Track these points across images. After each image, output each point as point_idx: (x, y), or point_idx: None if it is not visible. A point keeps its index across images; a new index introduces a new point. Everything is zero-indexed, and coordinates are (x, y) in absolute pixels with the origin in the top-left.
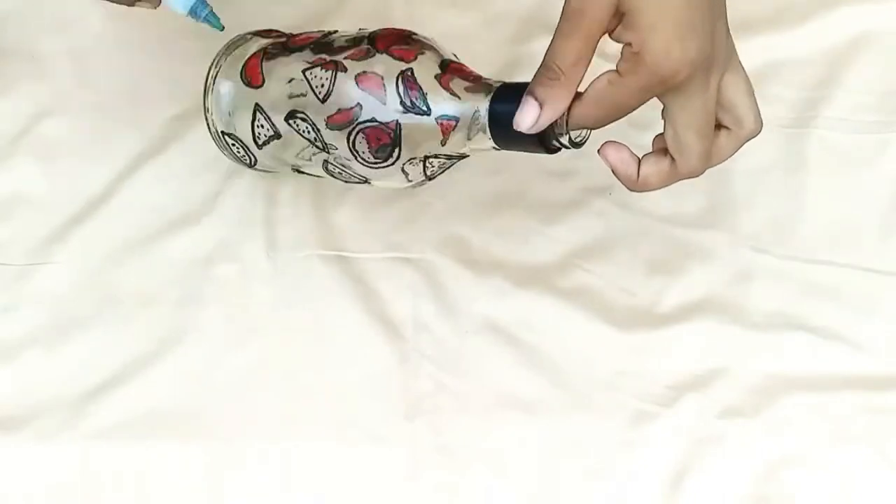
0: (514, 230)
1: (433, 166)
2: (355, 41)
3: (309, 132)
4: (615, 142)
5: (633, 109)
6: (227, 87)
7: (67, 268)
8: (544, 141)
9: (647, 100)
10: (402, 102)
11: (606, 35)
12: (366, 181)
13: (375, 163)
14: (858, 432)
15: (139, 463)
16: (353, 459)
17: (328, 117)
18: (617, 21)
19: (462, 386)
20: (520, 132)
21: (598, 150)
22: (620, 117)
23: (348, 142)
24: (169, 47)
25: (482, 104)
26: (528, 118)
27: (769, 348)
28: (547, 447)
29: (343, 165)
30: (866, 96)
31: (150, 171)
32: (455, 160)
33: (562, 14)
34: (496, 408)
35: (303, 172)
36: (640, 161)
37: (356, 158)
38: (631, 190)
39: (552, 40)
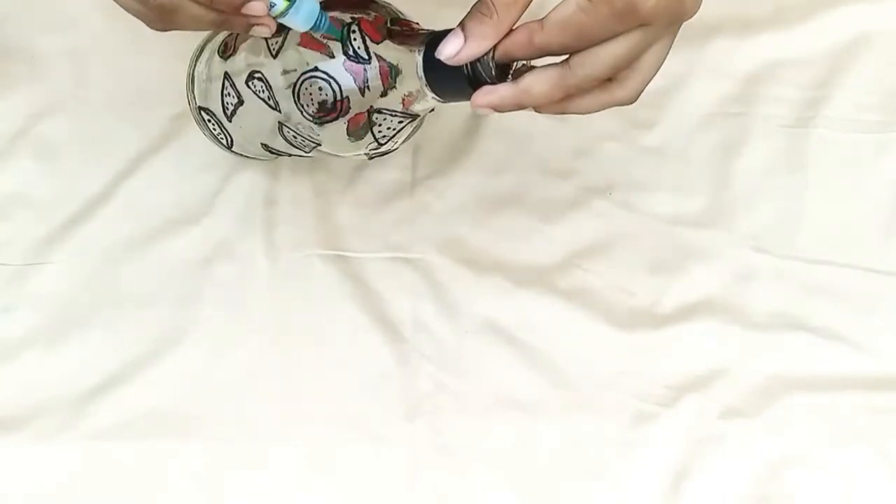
0: (514, 230)
1: (380, 126)
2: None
3: (263, 91)
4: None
5: (597, 42)
6: (206, 60)
7: (66, 268)
8: (474, 82)
9: (615, 32)
10: (343, 51)
11: None
12: (317, 145)
13: (320, 116)
14: (859, 432)
15: (138, 463)
16: (353, 460)
17: (280, 72)
18: None
19: (462, 386)
20: (451, 75)
21: (472, 106)
22: (582, 48)
23: (294, 95)
24: (168, 47)
25: (418, 56)
26: (450, 48)
27: (770, 348)
28: (547, 447)
29: (296, 129)
30: (867, 96)
31: (149, 171)
32: (405, 120)
33: None
34: (496, 408)
35: (271, 150)
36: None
37: (302, 113)
38: (515, 108)
39: None
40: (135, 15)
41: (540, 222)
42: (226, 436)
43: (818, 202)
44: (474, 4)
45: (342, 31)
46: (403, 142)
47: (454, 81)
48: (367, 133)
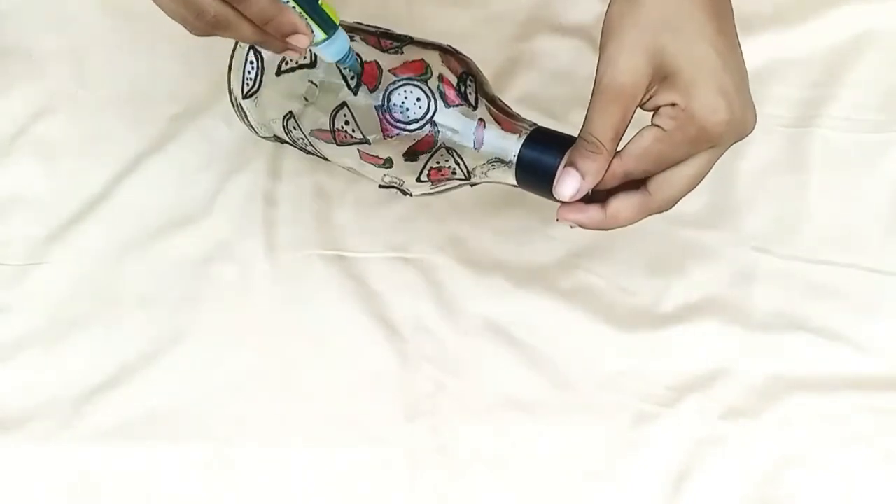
0: (514, 230)
1: (439, 164)
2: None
3: (354, 79)
4: (567, 204)
5: (675, 164)
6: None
7: (65, 268)
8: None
9: (691, 155)
10: (430, 94)
11: None
12: (365, 142)
13: (399, 122)
14: (860, 433)
15: (137, 464)
16: (353, 460)
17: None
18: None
19: (462, 386)
20: (542, 178)
21: (557, 219)
22: (661, 170)
23: (384, 98)
24: (168, 47)
25: (513, 146)
26: (569, 189)
27: (771, 348)
28: (547, 448)
29: (355, 119)
30: (868, 95)
31: (148, 171)
32: (455, 185)
33: (596, 86)
34: (496, 408)
35: (291, 128)
36: (599, 205)
37: (383, 107)
38: (603, 230)
39: (589, 111)
40: (177, 19)
41: (540, 222)
42: (225, 436)
43: (819, 202)
44: (578, 140)
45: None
46: (420, 194)
47: (542, 184)
48: (421, 163)
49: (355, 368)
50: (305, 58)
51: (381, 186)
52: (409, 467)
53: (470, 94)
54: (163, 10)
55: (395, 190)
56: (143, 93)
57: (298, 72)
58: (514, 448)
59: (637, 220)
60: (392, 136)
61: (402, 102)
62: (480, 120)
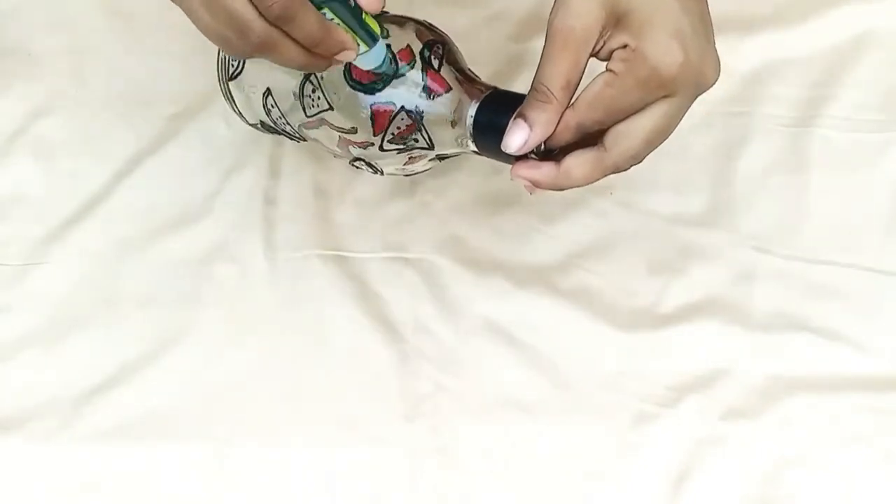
0: (514, 230)
1: (389, 148)
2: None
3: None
4: (521, 160)
5: (629, 113)
6: None
7: (64, 268)
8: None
9: (645, 102)
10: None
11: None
12: (329, 109)
13: (357, 85)
14: (861, 433)
15: (137, 464)
16: (353, 460)
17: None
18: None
19: (462, 387)
20: (498, 139)
21: (511, 177)
22: (615, 121)
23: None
24: (166, 46)
25: (469, 109)
26: (517, 140)
27: (771, 349)
28: (547, 448)
29: (320, 86)
30: (869, 95)
31: (147, 171)
32: (419, 154)
33: (547, 32)
34: (496, 409)
35: (269, 108)
36: (554, 163)
37: (345, 70)
38: (557, 189)
39: (541, 62)
40: (216, 41)
41: (540, 222)
42: (225, 437)
43: (819, 202)
44: (530, 92)
45: (424, 48)
46: (391, 173)
47: (496, 144)
48: (372, 143)
49: (355, 369)
50: None
51: (351, 163)
52: (409, 467)
53: (434, 59)
54: (201, 29)
55: (364, 166)
56: (142, 92)
57: None
58: (515, 448)
59: (593, 179)
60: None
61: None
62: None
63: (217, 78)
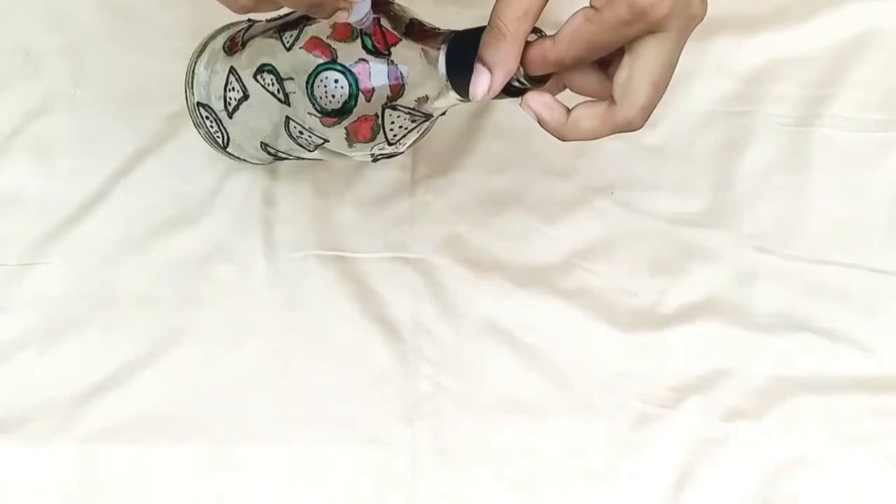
0: (514, 230)
1: (392, 124)
2: None
3: (273, 84)
4: (537, 91)
5: (610, 49)
6: (209, 56)
7: (62, 268)
8: (505, 88)
9: (626, 38)
10: (362, 46)
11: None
12: (324, 142)
13: (334, 111)
14: (863, 434)
15: (136, 466)
16: (352, 462)
17: (293, 65)
18: None
19: (462, 388)
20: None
21: (520, 103)
22: (595, 57)
23: (307, 87)
24: (164, 45)
25: (441, 56)
26: (481, 86)
27: (773, 349)
28: (548, 449)
29: (303, 124)
30: (871, 94)
31: (146, 171)
32: (418, 119)
33: None
34: (496, 410)
35: (270, 151)
36: (567, 108)
37: (314, 105)
38: (560, 138)
39: None
40: None
41: (540, 222)
42: (224, 438)
43: (821, 201)
44: (486, 29)
45: (357, 29)
46: (410, 145)
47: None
48: (378, 132)
49: (355, 369)
50: (237, 90)
51: (374, 160)
52: (409, 468)
53: (376, 43)
54: None
55: (385, 158)
56: (141, 92)
57: (243, 107)
58: (515, 449)
59: (602, 134)
60: (336, 116)
61: (325, 93)
62: (397, 57)
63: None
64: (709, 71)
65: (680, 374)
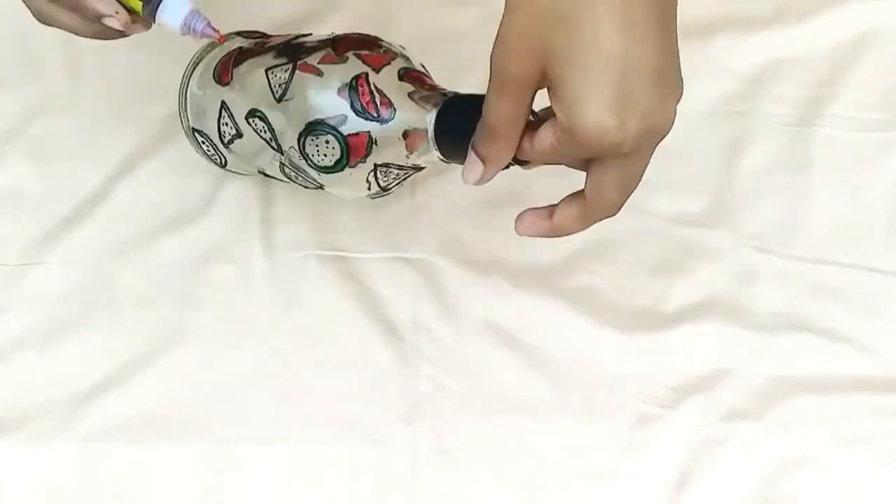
0: (514, 230)
1: (386, 177)
2: (323, 44)
3: (265, 132)
4: (519, 216)
5: (584, 167)
6: (200, 83)
7: (61, 268)
8: None
9: (595, 163)
10: (352, 106)
11: None
12: (320, 187)
13: (325, 168)
14: (863, 434)
15: (136, 466)
16: (352, 462)
17: (285, 120)
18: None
19: (462, 388)
20: (464, 146)
21: (517, 229)
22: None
23: (299, 146)
24: (162, 45)
25: (430, 119)
26: (473, 175)
27: (774, 350)
28: (548, 450)
29: (298, 169)
30: (870, 94)
31: (144, 171)
32: (410, 172)
33: (490, 70)
34: (496, 410)
35: (268, 175)
36: (548, 215)
37: (307, 162)
38: (551, 237)
39: (487, 96)
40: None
41: None
42: (223, 438)
43: (822, 201)
44: (479, 125)
45: (350, 85)
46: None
47: (463, 156)
48: (373, 182)
49: (355, 369)
50: (231, 127)
51: (373, 198)
52: (409, 468)
53: (367, 104)
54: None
55: (384, 197)
56: (139, 92)
57: (237, 143)
58: (515, 449)
59: (588, 226)
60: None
61: (316, 152)
62: (388, 118)
63: (190, 141)
64: (709, 71)
65: (680, 374)
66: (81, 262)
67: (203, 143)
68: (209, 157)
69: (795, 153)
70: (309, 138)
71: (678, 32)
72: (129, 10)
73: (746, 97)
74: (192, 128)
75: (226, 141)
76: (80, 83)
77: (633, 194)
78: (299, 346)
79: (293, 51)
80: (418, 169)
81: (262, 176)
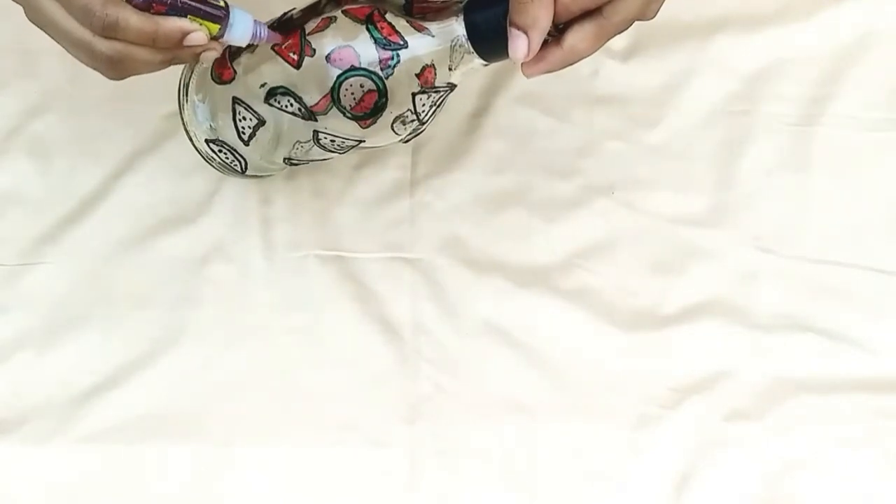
0: (514, 230)
1: (423, 104)
2: (311, 9)
3: (291, 104)
4: (526, 62)
5: None
6: (201, 92)
7: (60, 268)
8: None
9: None
10: (375, 42)
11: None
12: (360, 142)
13: (364, 116)
14: (866, 435)
15: (135, 466)
16: (352, 463)
17: (311, 79)
18: None
19: (462, 388)
20: (499, 39)
21: (526, 75)
22: None
23: (333, 99)
24: None
25: (458, 27)
26: (521, 49)
27: (775, 350)
28: (549, 451)
29: (334, 132)
30: (873, 93)
31: (144, 170)
32: (445, 91)
33: None
34: (497, 411)
35: (296, 162)
36: (556, 41)
37: (344, 115)
38: (564, 67)
39: None
40: (91, 67)
41: (541, 222)
42: (222, 438)
43: (824, 201)
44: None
45: (366, 22)
46: (432, 117)
47: (502, 48)
48: (411, 114)
49: (354, 370)
50: (249, 119)
51: (404, 142)
52: (409, 469)
53: (389, 35)
54: (76, 58)
55: (416, 134)
56: (138, 91)
57: (261, 132)
58: (515, 450)
59: (598, 48)
60: (367, 124)
61: (354, 100)
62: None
63: (205, 157)
64: (710, 70)
65: (681, 374)
66: (80, 262)
67: (220, 152)
68: (227, 166)
69: (797, 153)
70: (342, 88)
71: (679, 32)
72: None
73: (748, 97)
74: (206, 140)
75: (246, 137)
76: (79, 82)
77: (633, 194)
78: (298, 347)
79: (286, 26)
80: (452, 87)
81: (287, 167)
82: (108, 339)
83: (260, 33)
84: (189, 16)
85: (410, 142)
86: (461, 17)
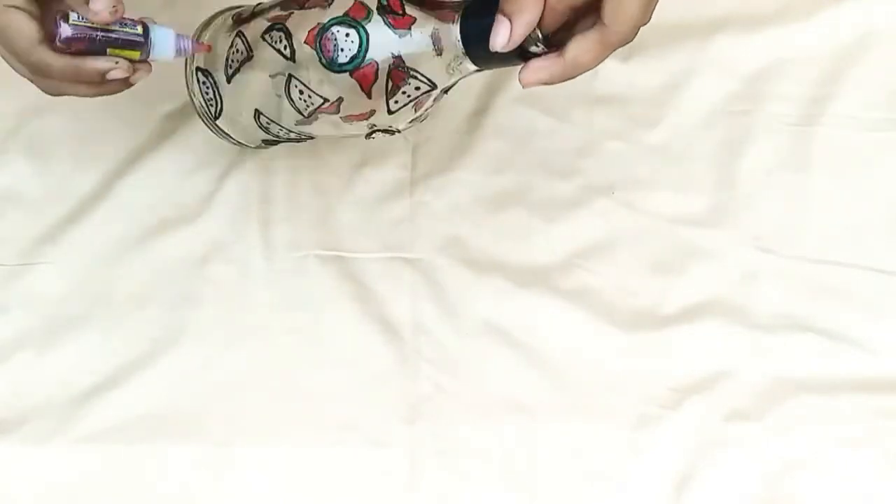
0: (514, 230)
1: (396, 98)
2: None
3: (281, 41)
4: (523, 67)
5: None
6: (218, 24)
7: (60, 268)
8: (521, 52)
9: None
10: (379, 4)
11: None
12: (325, 101)
13: (342, 64)
14: (866, 435)
15: (135, 466)
16: (352, 463)
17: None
18: None
19: (462, 388)
20: (487, 47)
21: (522, 83)
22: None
23: (317, 41)
24: None
25: (453, 28)
26: (501, 38)
27: (775, 350)
28: (549, 451)
29: (305, 82)
30: (873, 93)
31: (143, 170)
32: (423, 88)
33: None
34: (497, 411)
35: (263, 122)
36: (558, 53)
37: (320, 60)
38: (567, 80)
39: None
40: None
41: (541, 222)
42: (222, 438)
43: (824, 201)
44: None
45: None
46: (407, 125)
47: (499, 54)
48: (380, 95)
49: (354, 370)
50: (241, 52)
51: (367, 137)
52: (409, 469)
53: (394, 4)
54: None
55: (381, 135)
56: (138, 90)
57: (245, 69)
58: (515, 450)
59: (603, 59)
60: (336, 73)
61: (334, 47)
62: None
63: (204, 124)
64: (710, 70)
65: (681, 374)
66: (80, 262)
67: (204, 83)
68: (205, 107)
69: (797, 153)
70: (329, 33)
71: (679, 32)
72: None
73: (748, 97)
74: (197, 67)
75: (231, 70)
76: None
77: (633, 194)
78: (299, 347)
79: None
80: (431, 87)
81: (254, 130)
82: (108, 339)
83: (185, 47)
84: (109, 48)
85: (410, 142)
86: (457, 18)
